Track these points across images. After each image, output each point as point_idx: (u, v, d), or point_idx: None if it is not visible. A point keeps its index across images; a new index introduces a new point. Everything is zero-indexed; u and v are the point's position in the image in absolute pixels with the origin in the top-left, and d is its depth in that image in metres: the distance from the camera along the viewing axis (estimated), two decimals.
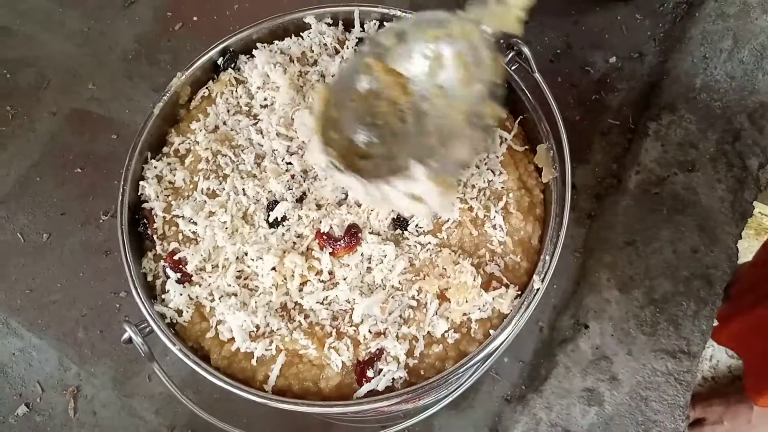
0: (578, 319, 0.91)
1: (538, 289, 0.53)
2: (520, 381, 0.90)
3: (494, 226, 0.56)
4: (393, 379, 0.50)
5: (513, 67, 0.60)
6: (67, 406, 0.90)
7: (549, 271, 0.57)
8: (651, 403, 0.86)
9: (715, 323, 0.96)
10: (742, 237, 0.94)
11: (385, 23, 0.63)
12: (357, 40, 0.62)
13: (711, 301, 0.91)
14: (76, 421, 0.89)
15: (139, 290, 0.53)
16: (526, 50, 0.60)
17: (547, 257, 0.54)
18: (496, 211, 0.56)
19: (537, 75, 0.61)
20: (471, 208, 0.56)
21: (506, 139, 0.58)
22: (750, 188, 0.97)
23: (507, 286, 0.54)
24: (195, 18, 1.13)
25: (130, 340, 0.53)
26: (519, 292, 0.54)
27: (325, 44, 0.63)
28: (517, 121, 0.60)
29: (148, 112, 0.60)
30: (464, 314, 0.53)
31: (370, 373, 0.50)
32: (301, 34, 0.63)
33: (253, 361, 0.51)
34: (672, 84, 1.03)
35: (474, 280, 0.52)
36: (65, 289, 0.97)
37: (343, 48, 0.63)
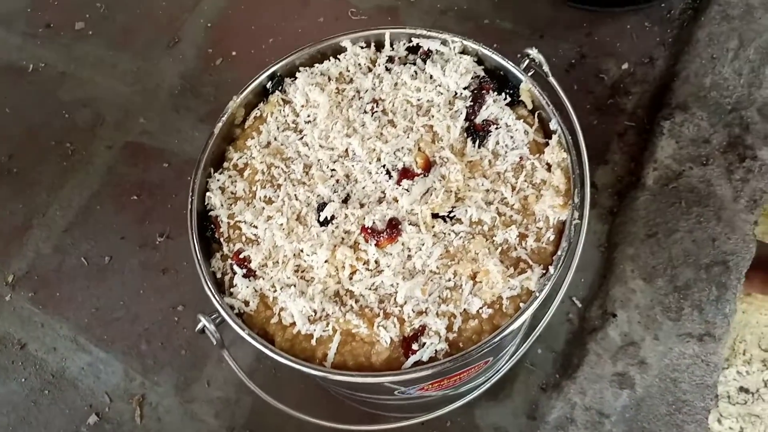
0: (606, 309, 0.97)
1: (553, 274, 0.59)
2: (553, 370, 0.95)
3: (525, 208, 0.63)
4: (436, 350, 0.57)
5: (529, 74, 0.68)
6: (133, 414, 0.98)
7: (570, 257, 0.65)
8: (680, 384, 0.91)
9: None
10: (758, 223, 0.99)
11: (412, 41, 0.71)
12: (387, 58, 0.70)
13: (732, 286, 0.95)
14: (143, 427, 0.97)
15: (210, 285, 0.60)
16: (540, 57, 0.67)
17: (565, 243, 0.61)
18: (528, 192, 0.63)
19: (551, 78, 0.69)
20: (513, 187, 0.63)
21: (528, 132, 0.65)
22: (765, 177, 1.02)
23: (532, 268, 0.60)
24: (234, 53, 1.22)
25: (203, 330, 0.60)
26: (544, 272, 0.60)
27: (359, 64, 0.71)
28: (536, 114, 0.66)
29: (210, 132, 0.68)
30: (494, 294, 0.59)
31: (415, 347, 0.57)
32: (338, 56, 0.72)
33: (313, 341, 0.58)
34: (683, 85, 1.09)
35: (497, 267, 0.58)
36: (127, 306, 1.05)
37: (375, 66, 0.71)
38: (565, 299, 0.99)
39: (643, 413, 0.90)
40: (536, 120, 0.67)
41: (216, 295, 0.60)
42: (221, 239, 0.64)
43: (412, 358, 0.57)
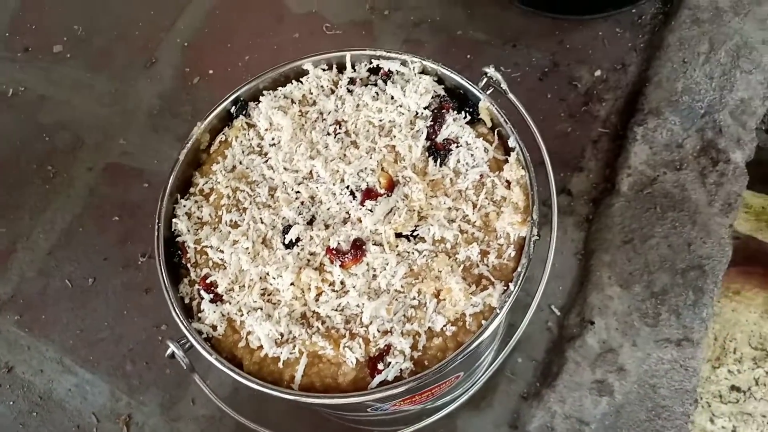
0: (584, 317, 0.97)
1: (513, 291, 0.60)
2: (534, 379, 0.96)
3: (487, 225, 0.63)
4: (401, 370, 0.58)
5: (488, 92, 0.69)
6: None
7: (541, 269, 0.66)
8: (659, 390, 0.91)
9: None
10: (733, 225, 0.99)
11: (373, 63, 0.72)
12: (348, 80, 0.71)
13: (708, 290, 0.96)
14: None
15: (178, 311, 0.61)
16: (497, 75, 0.68)
17: (525, 259, 0.61)
18: (489, 210, 0.64)
19: (510, 95, 0.70)
20: (474, 205, 0.64)
21: (488, 150, 0.66)
22: (738, 180, 1.03)
23: (494, 285, 0.61)
24: (210, 71, 1.24)
25: (173, 355, 0.61)
26: (506, 288, 0.61)
27: (321, 86, 0.72)
28: (496, 131, 0.67)
29: (174, 160, 0.69)
30: (457, 312, 0.60)
31: (380, 366, 0.58)
32: (300, 79, 0.73)
33: (280, 364, 0.59)
34: (655, 90, 1.10)
35: (458, 285, 0.59)
36: (112, 327, 1.06)
37: (337, 88, 0.72)
38: (543, 308, 1.00)
39: (623, 420, 0.90)
40: (496, 137, 0.68)
41: (184, 321, 0.61)
42: (188, 265, 0.65)
43: (378, 378, 0.58)
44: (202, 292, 0.63)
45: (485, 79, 0.69)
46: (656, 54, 1.14)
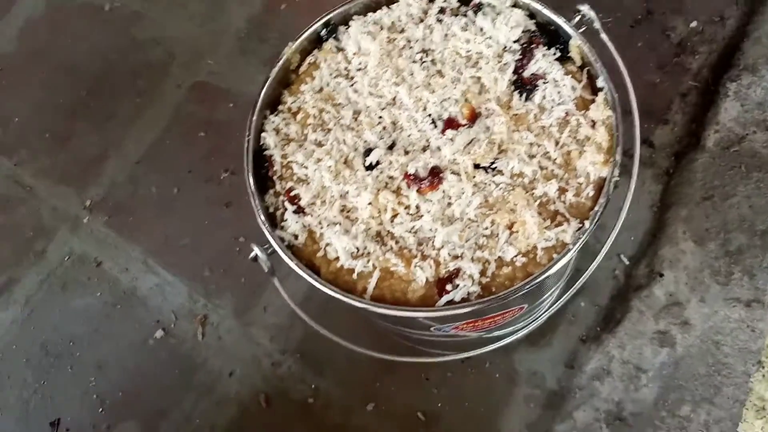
0: (653, 268, 0.97)
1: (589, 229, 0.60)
2: (594, 324, 0.97)
3: (567, 163, 0.64)
4: (468, 293, 0.60)
5: (580, 30, 0.68)
6: (196, 332, 1.06)
7: (616, 214, 0.66)
8: (722, 347, 0.91)
9: None
10: None
11: None
12: (439, 9, 0.72)
13: None
14: (204, 344, 1.05)
15: (263, 218, 0.65)
16: (591, 13, 0.67)
17: (603, 199, 0.62)
18: (571, 148, 0.64)
19: (603, 35, 0.69)
20: (557, 142, 0.64)
21: (576, 89, 0.66)
22: None
23: (569, 222, 0.62)
24: None
25: (256, 258, 0.66)
26: (581, 226, 0.62)
27: (411, 14, 0.72)
28: (585, 70, 0.67)
29: (265, 77, 0.72)
30: (529, 245, 0.61)
31: (448, 287, 0.60)
32: (390, 6, 0.74)
33: (354, 276, 0.63)
34: (753, 45, 1.05)
35: (533, 219, 0.60)
36: (193, 235, 1.13)
37: (426, 17, 0.72)
38: (612, 256, 1.00)
39: (681, 372, 0.91)
40: (584, 76, 0.67)
41: (268, 228, 0.65)
42: (274, 177, 0.69)
43: (445, 297, 0.60)
44: (286, 204, 0.66)
45: (578, 17, 0.68)
46: (759, 8, 1.08)
